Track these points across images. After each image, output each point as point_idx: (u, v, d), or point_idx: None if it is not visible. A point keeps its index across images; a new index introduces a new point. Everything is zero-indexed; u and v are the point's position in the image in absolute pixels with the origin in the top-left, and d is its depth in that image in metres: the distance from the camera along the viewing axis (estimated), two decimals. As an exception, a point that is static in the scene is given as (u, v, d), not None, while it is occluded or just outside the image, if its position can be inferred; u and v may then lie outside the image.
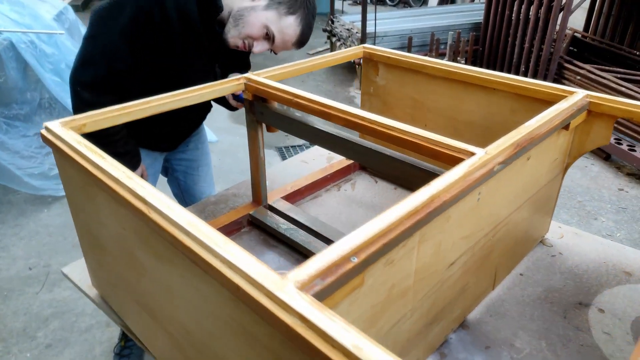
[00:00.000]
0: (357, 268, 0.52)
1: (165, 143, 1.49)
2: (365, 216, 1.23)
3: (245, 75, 1.06)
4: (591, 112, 0.96)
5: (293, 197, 1.29)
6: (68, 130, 0.78)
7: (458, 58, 4.18)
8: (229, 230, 1.16)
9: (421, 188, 0.63)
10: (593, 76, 3.18)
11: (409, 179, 0.80)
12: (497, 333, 0.89)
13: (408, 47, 4.29)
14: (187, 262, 0.56)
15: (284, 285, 0.46)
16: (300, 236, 1.09)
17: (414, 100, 1.27)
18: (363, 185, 1.38)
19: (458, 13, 4.78)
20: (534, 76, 3.64)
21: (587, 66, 3.33)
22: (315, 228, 1.12)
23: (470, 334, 0.89)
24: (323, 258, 0.50)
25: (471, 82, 1.13)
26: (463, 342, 0.87)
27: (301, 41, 1.23)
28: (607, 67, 3.41)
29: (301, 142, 3.62)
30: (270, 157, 3.45)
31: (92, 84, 1.12)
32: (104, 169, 0.67)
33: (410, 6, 7.79)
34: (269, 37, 1.20)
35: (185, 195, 1.68)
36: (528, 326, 0.90)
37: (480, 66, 4.20)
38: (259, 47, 1.21)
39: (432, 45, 4.24)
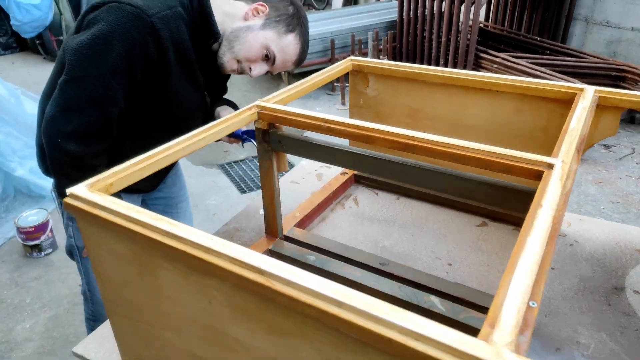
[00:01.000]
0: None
1: (147, 182, 1.34)
2: (381, 231, 1.19)
3: (257, 103, 0.97)
4: (599, 105, 1.02)
5: (303, 223, 1.22)
6: (101, 194, 0.65)
7: (380, 56, 4.30)
8: (252, 270, 1.06)
9: (533, 207, 0.61)
10: (509, 63, 3.44)
11: (482, 197, 0.79)
12: (559, 333, 0.90)
13: (331, 50, 4.33)
14: (330, 335, 0.49)
15: (499, 351, 0.41)
16: (334, 265, 1.03)
17: (410, 108, 1.26)
18: (365, 199, 1.35)
19: (373, 12, 4.91)
20: (454, 67, 3.85)
21: (502, 54, 3.59)
22: (344, 254, 1.06)
23: (537, 338, 0.89)
24: (510, 310, 0.46)
25: (473, 86, 1.14)
26: (534, 348, 0.87)
27: (301, 59, 1.18)
28: (516, 54, 3.71)
29: (243, 156, 3.50)
30: (215, 176, 3.29)
31: (80, 134, 0.96)
32: (179, 235, 0.56)
33: (315, 8, 7.88)
34: (268, 58, 1.12)
35: None
36: (583, 320, 0.93)
37: (401, 61, 4.37)
38: (258, 69, 1.13)
39: (354, 45, 4.31)
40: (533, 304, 0.48)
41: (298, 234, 1.14)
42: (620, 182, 2.97)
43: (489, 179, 0.77)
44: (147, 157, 0.76)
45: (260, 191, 1.09)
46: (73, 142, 0.96)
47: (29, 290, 2.20)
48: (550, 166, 0.71)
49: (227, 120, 0.90)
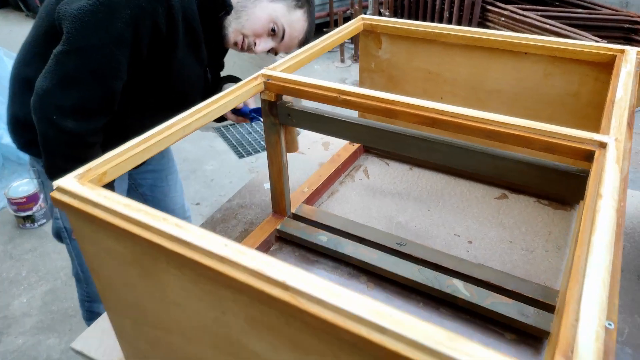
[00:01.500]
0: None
1: None
2: (395, 205, 1.12)
3: (263, 72, 0.87)
4: (640, 69, 0.92)
5: (312, 198, 1.14)
6: (93, 188, 0.57)
7: (381, 9, 4.10)
8: (260, 253, 0.99)
9: (590, 196, 0.53)
10: (517, 16, 3.28)
11: (520, 178, 0.70)
12: (592, 317, 0.85)
13: (330, 3, 4.12)
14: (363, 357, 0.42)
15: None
16: (348, 247, 0.96)
17: (427, 72, 1.16)
18: (376, 171, 1.27)
19: (371, -38, 4.63)
20: (459, 22, 3.68)
21: (509, 7, 3.42)
22: (358, 233, 0.99)
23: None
24: (587, 336, 0.38)
25: (498, 47, 1.04)
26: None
27: (307, 38, 1.09)
28: (525, 6, 3.53)
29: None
30: (211, 140, 3.18)
31: (79, 110, 0.87)
32: (187, 240, 0.48)
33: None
34: (274, 33, 1.03)
35: None
36: (616, 302, 0.87)
37: (402, 16, 4.17)
38: (263, 44, 1.04)
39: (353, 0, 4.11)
40: (610, 324, 0.41)
41: (307, 211, 1.07)
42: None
43: (528, 158, 0.69)
44: (143, 140, 0.66)
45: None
46: (71, 119, 0.87)
47: (24, 264, 2.14)
48: (602, 145, 0.62)
49: (230, 94, 0.80)
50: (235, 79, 1.22)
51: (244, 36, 1.03)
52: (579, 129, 1.04)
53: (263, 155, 2.91)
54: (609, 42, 3.11)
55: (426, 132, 0.76)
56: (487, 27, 3.50)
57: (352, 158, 1.30)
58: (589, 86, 0.99)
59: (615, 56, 0.92)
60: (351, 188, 1.20)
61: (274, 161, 0.98)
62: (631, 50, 0.90)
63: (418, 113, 0.73)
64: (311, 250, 1.01)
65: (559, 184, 0.67)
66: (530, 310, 0.81)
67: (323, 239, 0.98)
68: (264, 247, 1.00)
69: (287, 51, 1.11)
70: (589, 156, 0.63)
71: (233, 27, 1.01)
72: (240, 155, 2.98)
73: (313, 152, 1.36)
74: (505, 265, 0.96)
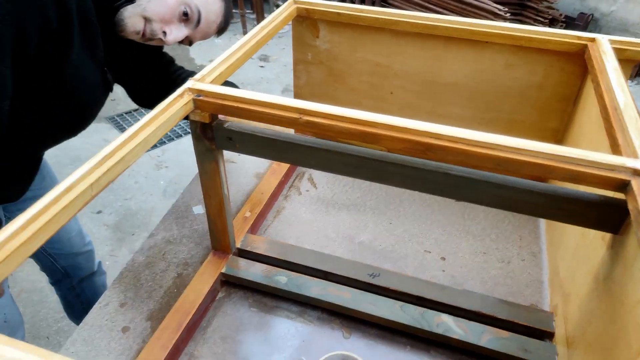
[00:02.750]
0: None
1: (14, 191, 0.97)
2: (353, 221, 0.98)
3: (188, 86, 0.65)
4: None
5: (257, 223, 0.96)
6: None
7: (281, -22, 3.84)
8: (205, 307, 0.80)
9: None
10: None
11: (538, 211, 0.59)
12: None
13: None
14: None
15: None
16: (314, 287, 0.80)
17: (375, 64, 1.01)
18: (322, 178, 1.11)
19: None
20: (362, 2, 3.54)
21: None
22: (321, 267, 0.84)
23: (564, 347, 0.77)
24: None
25: (456, 36, 0.91)
26: None
27: (225, 22, 0.87)
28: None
29: (136, 106, 2.99)
30: (105, 133, 2.79)
31: None
32: None
33: None
34: (187, 17, 0.79)
35: (41, 252, 1.19)
36: None
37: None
38: (175, 33, 0.80)
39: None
40: None
41: (255, 243, 0.88)
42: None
43: (545, 186, 0.58)
44: (32, 218, 0.44)
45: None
46: None
47: None
48: (637, 172, 0.52)
49: (150, 123, 0.58)
50: (230, 85, 0.96)
51: (146, 21, 0.78)
52: (543, 122, 0.97)
53: (170, 147, 2.61)
54: (505, 7, 3.19)
55: (416, 159, 0.61)
56: (387, 5, 3.41)
57: (293, 165, 1.12)
58: (554, 78, 0.91)
59: (585, 45, 0.83)
60: (299, 203, 1.03)
61: (212, 194, 0.77)
62: (603, 40, 0.82)
63: (407, 137, 0.58)
64: (269, 295, 0.83)
65: (585, 217, 0.57)
66: (531, 344, 0.72)
67: (282, 280, 0.81)
68: (209, 298, 0.81)
69: (204, 38, 0.89)
70: (621, 186, 0.52)
71: (130, 11, 0.76)
72: (144, 150, 2.64)
73: (246, 161, 1.16)
74: (486, 284, 0.86)
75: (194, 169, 0.80)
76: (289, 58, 2.48)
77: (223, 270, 0.83)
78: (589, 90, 0.85)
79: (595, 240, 0.64)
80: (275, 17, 0.89)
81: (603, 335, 0.55)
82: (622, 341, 0.50)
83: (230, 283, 0.85)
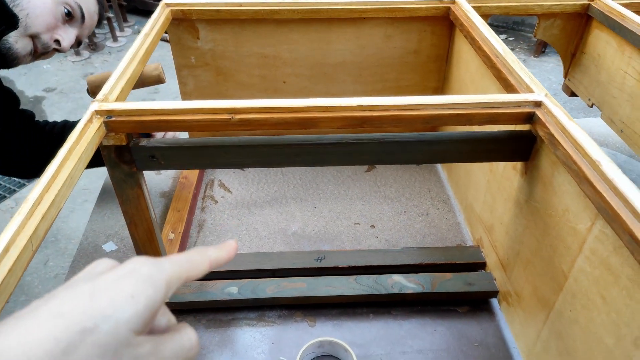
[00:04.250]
0: None
1: None
2: (280, 214, 0.98)
3: (95, 108, 0.59)
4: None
5: (183, 243, 0.90)
6: None
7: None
8: (159, 343, 0.73)
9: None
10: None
11: (461, 157, 0.65)
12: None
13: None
14: None
15: None
16: (268, 288, 0.79)
17: (262, 56, 1.00)
18: (234, 181, 1.08)
19: None
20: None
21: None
22: (267, 266, 0.83)
23: None
24: None
25: (337, 16, 0.95)
26: None
27: (102, 8, 0.81)
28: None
29: None
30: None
31: None
32: None
33: None
34: (70, 17, 0.73)
35: None
36: None
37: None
38: (68, 36, 0.75)
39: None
40: None
41: (191, 262, 0.83)
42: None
43: (465, 134, 0.64)
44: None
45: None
46: None
47: None
48: (538, 104, 0.61)
49: (69, 155, 0.51)
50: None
51: (34, 38, 0.70)
52: (424, 82, 1.07)
53: (24, 193, 2.28)
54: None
55: (350, 134, 0.64)
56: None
57: (200, 174, 1.07)
58: (427, 41, 1.00)
59: (448, 8, 0.94)
60: (219, 211, 1.00)
61: (139, 221, 0.71)
62: (461, 1, 0.93)
63: (343, 115, 0.60)
64: (220, 310, 0.80)
65: (501, 153, 0.65)
66: (472, 277, 0.81)
67: (233, 290, 0.78)
68: (160, 333, 0.74)
69: (90, 33, 0.83)
70: (527, 118, 0.61)
71: (14, 36, 0.67)
72: (-8, 203, 2.27)
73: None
74: (415, 237, 0.94)
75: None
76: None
77: (170, 300, 0.77)
78: (458, 47, 0.96)
79: (506, 172, 0.74)
80: (154, 23, 0.84)
81: (538, 249, 0.64)
82: (559, 246, 0.58)
83: (176, 311, 0.79)
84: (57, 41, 0.76)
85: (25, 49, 0.72)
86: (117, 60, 3.44)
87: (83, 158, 0.53)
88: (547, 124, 0.58)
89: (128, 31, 3.90)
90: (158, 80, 0.88)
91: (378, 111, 0.59)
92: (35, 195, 0.45)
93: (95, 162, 0.74)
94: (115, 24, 3.74)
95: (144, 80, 0.86)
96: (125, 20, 3.96)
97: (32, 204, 0.44)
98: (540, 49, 3.58)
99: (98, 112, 0.58)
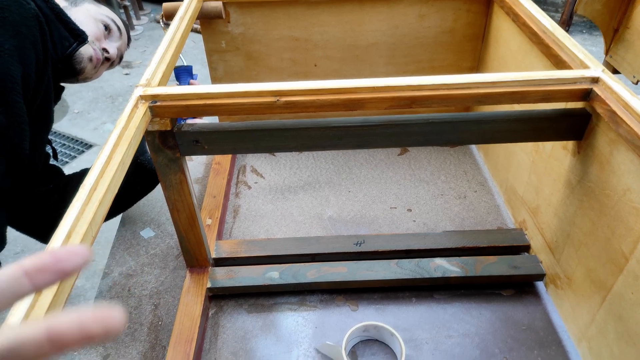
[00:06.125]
0: None
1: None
2: (314, 199, 0.97)
3: (139, 94, 0.58)
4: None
5: (220, 228, 0.90)
6: None
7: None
8: (203, 329, 0.73)
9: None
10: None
11: (512, 137, 0.63)
12: None
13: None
14: None
15: None
16: (309, 272, 0.78)
17: (294, 39, 0.99)
18: (267, 166, 1.07)
19: None
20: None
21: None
22: (305, 251, 0.82)
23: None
24: None
25: (369, -4, 0.93)
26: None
27: (127, 29, 0.87)
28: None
29: None
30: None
31: None
32: None
33: None
34: (109, 31, 0.78)
35: None
36: None
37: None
38: (112, 46, 0.79)
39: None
40: None
41: (230, 248, 0.83)
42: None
43: (516, 112, 0.62)
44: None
45: None
46: None
47: None
48: (595, 80, 0.59)
49: (120, 140, 0.51)
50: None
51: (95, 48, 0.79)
52: (459, 62, 1.04)
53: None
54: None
55: (397, 116, 0.62)
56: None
57: (232, 160, 1.07)
58: (463, 20, 0.97)
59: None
60: (253, 197, 0.99)
61: (181, 207, 0.70)
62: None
63: (391, 95, 0.58)
64: (262, 295, 0.79)
65: (554, 131, 0.62)
66: (516, 260, 0.79)
67: (274, 275, 0.78)
68: (204, 318, 0.74)
69: (127, 47, 0.88)
70: (584, 95, 0.59)
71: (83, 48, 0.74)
72: None
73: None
74: (454, 221, 0.92)
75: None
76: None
77: (209, 286, 0.77)
78: (497, 25, 0.93)
79: (554, 152, 0.71)
80: (187, 7, 0.82)
81: (593, 230, 0.62)
82: (619, 227, 0.56)
83: (218, 296, 0.79)
84: (105, 50, 0.81)
85: (87, 52, 0.77)
86: (133, 49, 3.44)
87: (132, 143, 0.52)
88: (606, 100, 0.55)
89: (144, 19, 3.89)
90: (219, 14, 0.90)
91: (427, 90, 0.58)
92: (92, 180, 0.45)
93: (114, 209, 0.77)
94: (131, 12, 3.74)
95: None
96: (141, 8, 3.95)
97: (89, 190, 0.44)
98: (564, 27, 3.48)
99: (143, 97, 0.58)
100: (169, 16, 0.87)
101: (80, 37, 0.75)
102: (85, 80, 0.82)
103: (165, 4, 0.88)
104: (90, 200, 0.44)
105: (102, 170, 0.47)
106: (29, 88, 0.67)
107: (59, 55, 0.74)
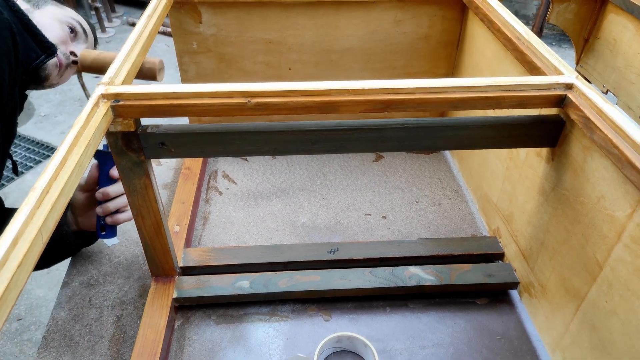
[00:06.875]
0: None
1: None
2: (287, 205, 0.95)
3: (100, 92, 0.55)
4: None
5: (189, 235, 0.86)
6: None
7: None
8: (167, 342, 0.70)
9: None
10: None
11: (485, 143, 0.62)
12: None
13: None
14: None
15: None
16: (281, 281, 0.75)
17: (267, 42, 0.97)
18: (238, 172, 1.04)
19: None
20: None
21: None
22: (278, 259, 0.79)
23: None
24: None
25: (344, 0, 0.92)
26: None
27: (93, 29, 0.85)
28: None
29: None
30: None
31: None
32: None
33: None
34: (74, 34, 0.79)
35: None
36: None
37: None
38: (79, 49, 0.78)
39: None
40: None
41: (198, 257, 0.80)
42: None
43: (491, 118, 0.61)
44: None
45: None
46: None
47: None
48: (569, 86, 0.58)
49: (77, 141, 0.47)
50: None
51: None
52: (433, 69, 1.04)
53: (13, 187, 2.21)
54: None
55: (372, 120, 0.60)
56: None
57: (203, 165, 1.03)
58: (438, 27, 0.97)
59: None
60: (224, 203, 0.96)
61: (146, 213, 0.67)
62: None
63: (366, 98, 0.56)
64: (231, 305, 0.76)
65: (529, 138, 0.62)
66: (491, 268, 0.78)
67: (244, 284, 0.75)
68: (169, 330, 0.71)
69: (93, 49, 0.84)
70: (559, 101, 0.58)
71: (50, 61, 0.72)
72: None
73: (145, 174, 1.03)
74: (429, 228, 0.91)
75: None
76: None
77: (175, 296, 0.73)
78: (471, 32, 0.93)
79: (528, 159, 0.71)
80: (156, 5, 0.79)
81: (567, 238, 0.62)
82: (593, 235, 0.56)
83: (184, 307, 0.76)
84: (73, 53, 0.78)
85: (53, 61, 0.74)
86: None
87: (91, 144, 0.49)
88: (581, 107, 0.55)
89: (116, 22, 3.81)
90: (153, 76, 0.80)
91: (402, 94, 0.56)
92: (43, 183, 0.41)
93: (50, 257, 0.71)
94: (103, 15, 3.65)
95: (141, 71, 0.80)
96: (113, 10, 3.86)
97: (39, 193, 0.40)
98: (534, 39, 3.57)
99: (105, 96, 0.54)
100: (87, 68, 0.74)
101: (49, 50, 0.72)
102: (51, 86, 0.79)
103: (82, 52, 0.73)
104: (42, 204, 0.40)
105: (56, 172, 0.43)
106: (2, 100, 0.64)
107: (24, 67, 0.70)
